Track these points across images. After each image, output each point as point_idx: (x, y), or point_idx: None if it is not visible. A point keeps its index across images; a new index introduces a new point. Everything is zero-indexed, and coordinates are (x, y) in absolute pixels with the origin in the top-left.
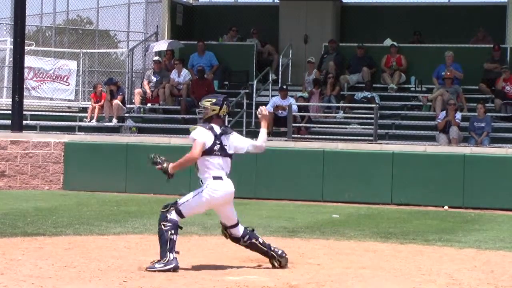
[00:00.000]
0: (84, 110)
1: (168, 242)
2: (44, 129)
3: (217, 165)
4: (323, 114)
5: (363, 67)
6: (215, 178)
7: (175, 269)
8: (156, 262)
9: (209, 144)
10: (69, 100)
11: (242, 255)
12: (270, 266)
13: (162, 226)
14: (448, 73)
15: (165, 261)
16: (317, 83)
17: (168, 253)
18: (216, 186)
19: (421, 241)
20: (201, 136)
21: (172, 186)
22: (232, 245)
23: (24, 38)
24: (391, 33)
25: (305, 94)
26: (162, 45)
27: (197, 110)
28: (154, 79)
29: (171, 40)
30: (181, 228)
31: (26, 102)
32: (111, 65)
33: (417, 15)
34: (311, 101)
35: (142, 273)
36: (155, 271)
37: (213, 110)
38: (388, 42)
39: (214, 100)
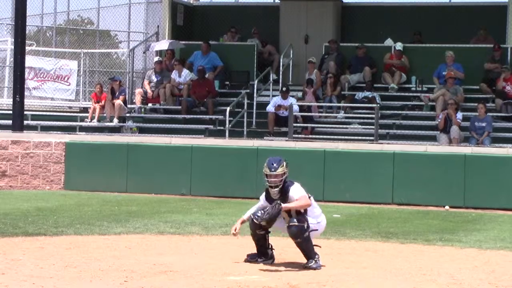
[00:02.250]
0: (85, 110)
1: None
2: (45, 129)
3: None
4: (323, 114)
5: (363, 67)
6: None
7: None
8: (315, 262)
9: None
10: (70, 100)
11: (243, 255)
12: (271, 266)
13: (306, 235)
14: (452, 73)
15: (317, 257)
16: (310, 82)
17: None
18: None
19: (422, 241)
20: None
21: (174, 187)
22: (233, 245)
23: (25, 38)
24: (391, 33)
25: (299, 94)
26: (163, 45)
27: (269, 184)
28: (155, 79)
29: (172, 40)
30: None
31: (27, 102)
32: (112, 65)
33: (417, 15)
34: (305, 100)
35: (143, 273)
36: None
37: (285, 172)
38: (389, 42)
39: (285, 162)
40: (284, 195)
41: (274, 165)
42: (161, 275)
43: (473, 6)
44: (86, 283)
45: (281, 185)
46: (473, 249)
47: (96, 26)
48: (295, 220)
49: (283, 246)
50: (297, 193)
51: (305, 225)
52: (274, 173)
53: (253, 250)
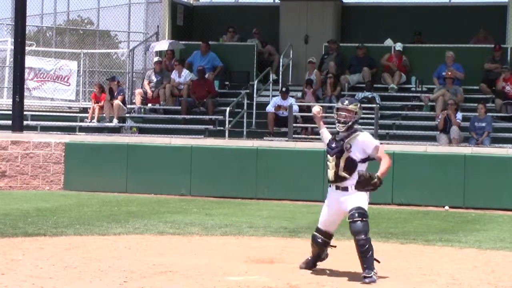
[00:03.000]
0: (85, 110)
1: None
2: (45, 129)
3: None
4: (323, 114)
5: (363, 67)
6: None
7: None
8: (371, 275)
9: None
10: (69, 101)
11: (243, 255)
12: (271, 266)
13: (369, 236)
14: (449, 73)
15: (375, 271)
16: (310, 82)
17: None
18: None
19: (422, 241)
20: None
21: (173, 187)
22: (233, 245)
23: (25, 38)
24: (391, 33)
25: (299, 94)
26: (163, 45)
27: (337, 117)
28: (154, 79)
29: (172, 40)
30: None
31: (27, 102)
32: (111, 66)
33: (417, 15)
34: (305, 100)
35: (142, 274)
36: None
37: (358, 113)
38: (389, 42)
39: (359, 104)
40: (349, 135)
41: (346, 101)
42: (161, 275)
43: (473, 6)
44: (86, 283)
45: (349, 123)
46: (473, 249)
47: (96, 26)
48: (355, 212)
49: (283, 246)
50: (372, 142)
51: (367, 214)
52: (345, 107)
53: (252, 251)
